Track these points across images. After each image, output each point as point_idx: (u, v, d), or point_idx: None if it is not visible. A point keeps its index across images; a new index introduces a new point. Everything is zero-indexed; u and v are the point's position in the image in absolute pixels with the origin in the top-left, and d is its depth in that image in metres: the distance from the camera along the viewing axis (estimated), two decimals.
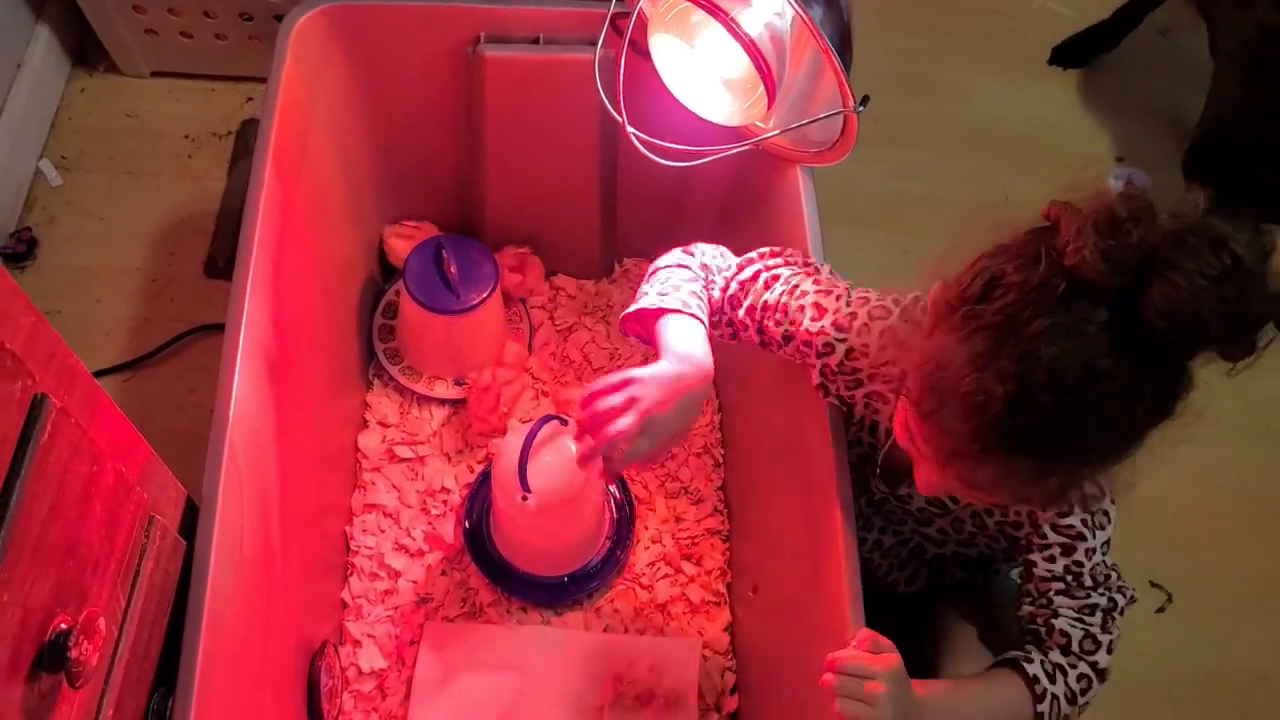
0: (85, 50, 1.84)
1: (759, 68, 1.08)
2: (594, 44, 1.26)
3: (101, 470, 0.78)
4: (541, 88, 1.38)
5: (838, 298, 1.04)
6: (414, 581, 1.41)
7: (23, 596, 0.68)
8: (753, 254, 1.11)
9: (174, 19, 1.72)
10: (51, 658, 0.70)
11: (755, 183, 1.37)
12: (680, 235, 1.63)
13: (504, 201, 1.55)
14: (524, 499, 1.28)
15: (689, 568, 1.44)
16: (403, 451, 1.49)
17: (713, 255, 1.13)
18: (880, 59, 2.03)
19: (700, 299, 1.07)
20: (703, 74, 1.16)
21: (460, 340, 1.51)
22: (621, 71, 1.17)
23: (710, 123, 1.21)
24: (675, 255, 1.12)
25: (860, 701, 0.89)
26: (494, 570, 1.41)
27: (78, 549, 0.75)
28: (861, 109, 1.08)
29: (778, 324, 1.05)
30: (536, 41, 1.35)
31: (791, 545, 1.19)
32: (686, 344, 1.02)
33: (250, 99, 1.83)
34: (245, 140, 1.79)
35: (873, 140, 1.90)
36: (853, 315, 1.02)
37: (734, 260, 1.12)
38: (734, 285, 1.08)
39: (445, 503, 1.47)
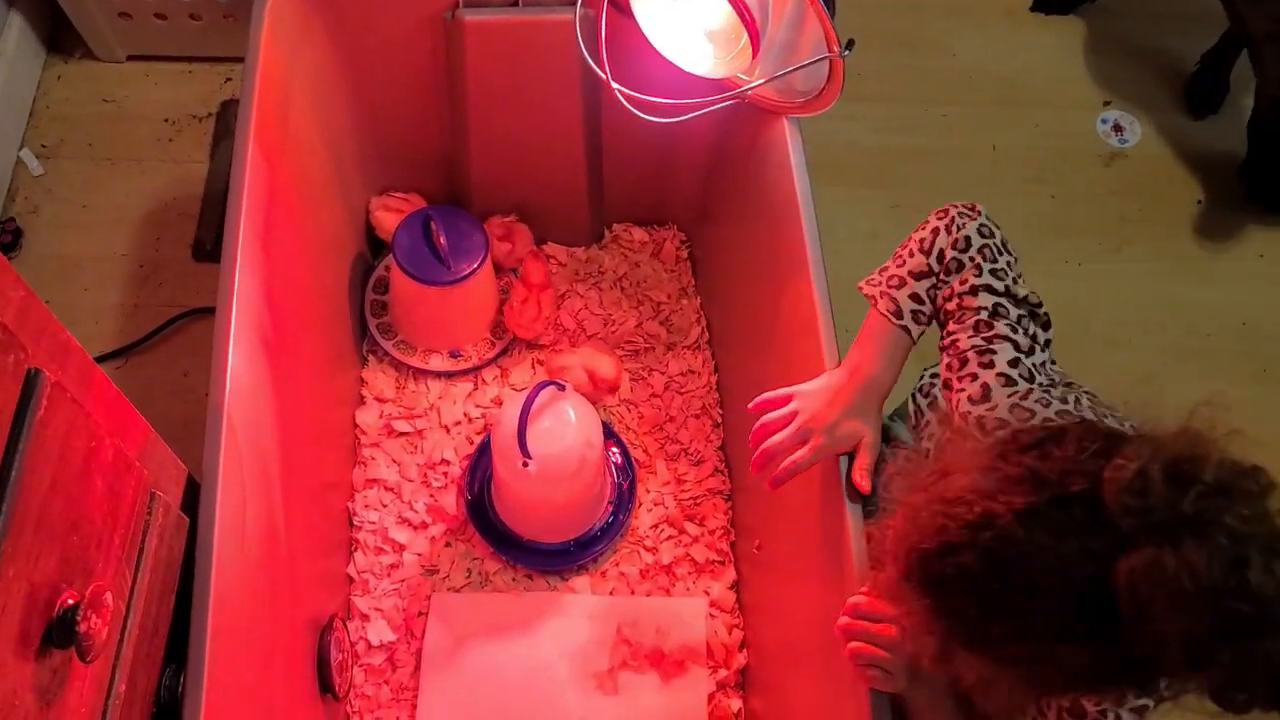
0: (60, 37, 1.82)
1: (742, 16, 1.08)
2: (574, 4, 1.26)
3: (100, 446, 0.78)
4: (522, 51, 1.37)
5: (1011, 394, 0.93)
6: (419, 554, 1.41)
7: (28, 571, 0.68)
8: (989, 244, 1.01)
9: (147, 1, 1.70)
10: (60, 632, 0.69)
11: (742, 138, 1.36)
12: (668, 197, 1.64)
13: (490, 170, 1.54)
14: (525, 465, 1.28)
15: (692, 528, 1.44)
16: (401, 426, 1.49)
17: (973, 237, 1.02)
18: (861, 14, 2.02)
19: (923, 302, 1.03)
20: (685, 26, 1.15)
21: (453, 312, 1.50)
22: (603, 29, 1.16)
23: (695, 78, 1.20)
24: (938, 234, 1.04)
25: (873, 647, 0.89)
26: (498, 539, 1.41)
27: (80, 524, 0.75)
28: (847, 53, 1.07)
29: (949, 367, 0.99)
30: (516, 4, 1.33)
31: (795, 500, 1.19)
32: (868, 353, 1.03)
33: (228, 79, 1.82)
34: (225, 121, 1.78)
35: (857, 96, 1.89)
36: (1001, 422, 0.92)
37: (975, 251, 1.01)
38: (954, 301, 1.00)
39: (446, 474, 1.46)
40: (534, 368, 1.57)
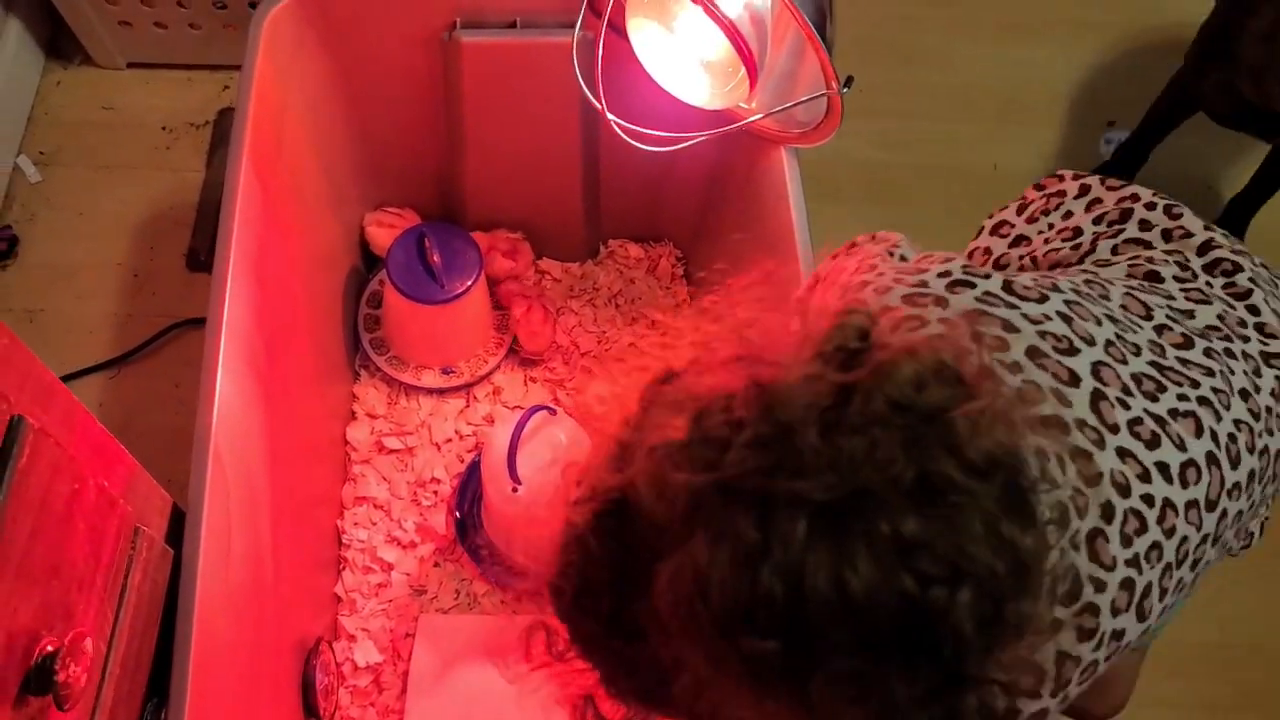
0: (59, 43, 1.81)
1: (739, 51, 1.07)
2: (573, 27, 1.25)
3: (83, 487, 0.77)
4: (520, 72, 1.36)
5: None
6: (407, 574, 1.41)
7: (6, 621, 0.67)
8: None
9: (147, 9, 1.69)
10: (38, 681, 0.69)
11: (739, 162, 1.36)
12: (665, 215, 1.64)
13: (485, 187, 1.54)
14: (514, 490, 1.27)
15: None
16: (392, 443, 1.49)
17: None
18: (859, 28, 2.01)
19: None
20: (682, 57, 1.15)
21: (446, 329, 1.50)
22: (599, 56, 1.15)
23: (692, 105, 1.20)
24: None
25: None
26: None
27: (62, 568, 0.75)
28: (846, 90, 1.07)
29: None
30: (513, 25, 1.33)
31: None
32: None
33: (227, 87, 1.81)
34: (222, 130, 1.77)
35: (854, 111, 1.87)
36: None
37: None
38: None
39: (436, 493, 1.46)
40: (526, 385, 1.56)
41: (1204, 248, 0.81)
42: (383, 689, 1.34)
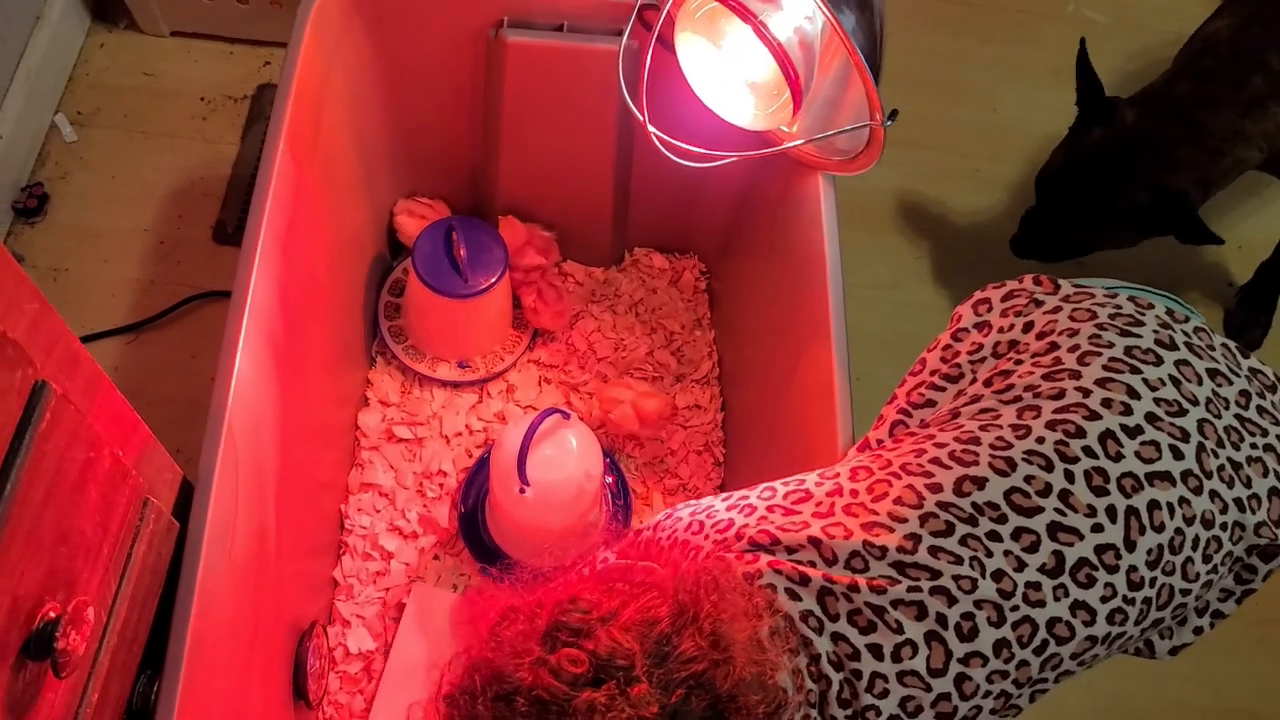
0: (106, 5, 1.82)
1: (786, 74, 1.07)
2: (619, 35, 1.25)
3: (99, 456, 0.77)
4: (562, 76, 1.36)
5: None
6: (406, 563, 1.41)
7: (12, 585, 0.67)
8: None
9: None
10: (38, 647, 0.69)
11: (773, 184, 1.36)
12: (693, 227, 1.64)
13: (516, 184, 1.54)
14: (522, 492, 1.27)
15: None
16: (402, 432, 1.49)
17: None
18: (907, 57, 2.01)
19: None
20: (728, 76, 1.15)
21: (466, 324, 1.50)
22: (646, 67, 1.15)
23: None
24: None
25: None
26: (487, 557, 1.40)
27: (71, 535, 0.75)
28: (889, 123, 1.06)
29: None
30: (560, 29, 1.33)
31: None
32: None
33: (268, 63, 1.81)
34: (260, 105, 1.77)
35: (893, 141, 1.87)
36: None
37: None
38: None
39: (442, 486, 1.46)
40: (540, 386, 1.56)
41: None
42: (373, 676, 1.34)
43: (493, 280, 1.45)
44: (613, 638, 0.74)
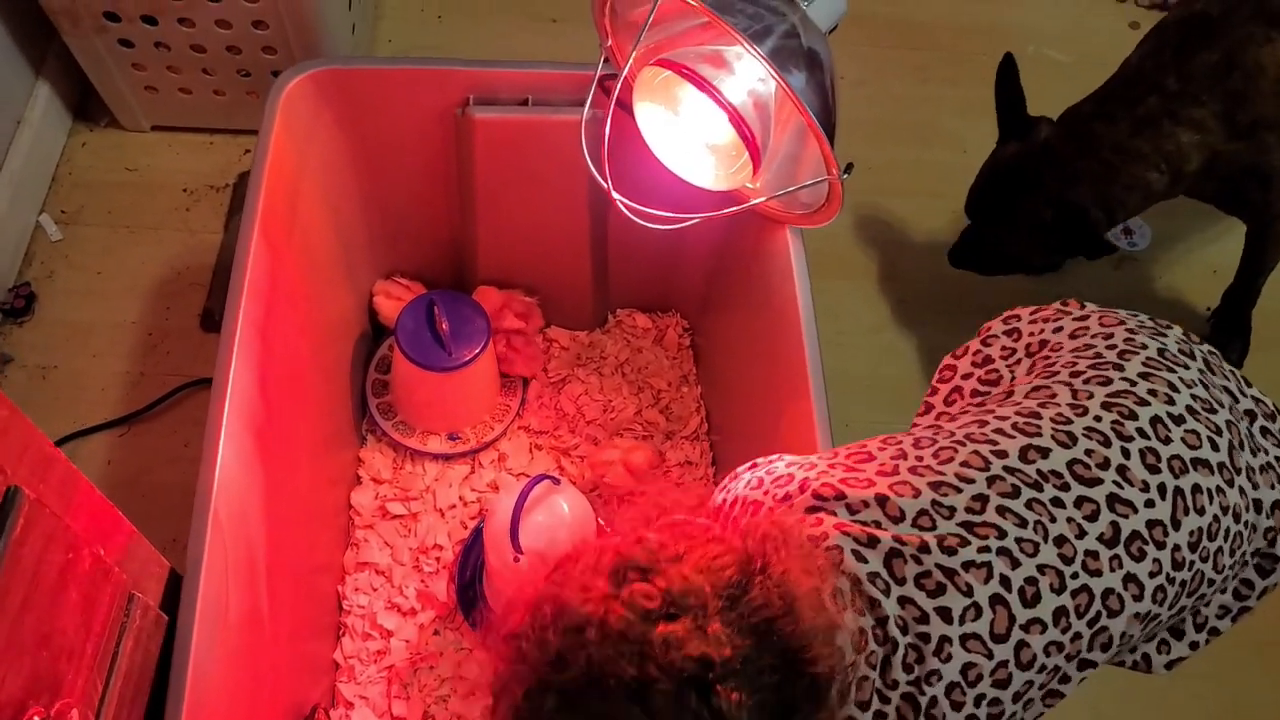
0: (87, 105, 1.85)
1: (743, 137, 1.09)
2: (583, 105, 1.27)
3: (78, 556, 0.78)
4: (531, 148, 1.39)
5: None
6: (406, 641, 1.41)
7: None
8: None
9: (173, 76, 1.73)
10: None
11: (746, 239, 1.38)
12: (673, 286, 1.65)
13: (496, 256, 1.56)
14: (516, 560, 1.28)
15: None
16: (396, 508, 1.49)
17: None
18: (877, 107, 2.04)
19: None
20: (688, 140, 1.17)
21: (453, 396, 1.51)
22: (607, 135, 1.17)
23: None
24: None
25: None
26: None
27: (52, 637, 0.75)
28: (846, 176, 1.08)
29: None
30: (525, 103, 1.35)
31: None
32: None
33: (247, 151, 1.85)
34: (241, 193, 1.80)
35: (868, 189, 1.92)
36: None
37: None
38: None
39: (438, 559, 1.46)
40: (531, 452, 1.57)
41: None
42: None
43: (477, 351, 1.46)
44: (684, 576, 0.72)
